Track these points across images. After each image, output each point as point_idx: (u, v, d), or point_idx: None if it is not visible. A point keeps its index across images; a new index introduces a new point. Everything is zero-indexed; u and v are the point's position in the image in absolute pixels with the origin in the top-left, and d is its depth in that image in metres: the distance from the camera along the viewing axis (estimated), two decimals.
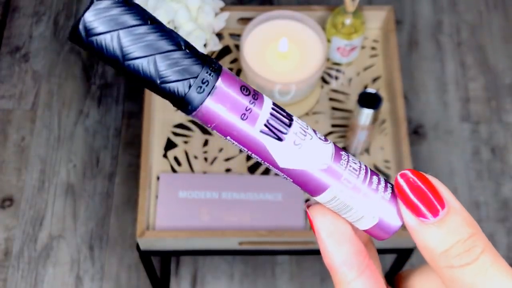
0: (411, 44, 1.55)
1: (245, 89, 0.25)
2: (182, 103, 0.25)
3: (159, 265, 1.27)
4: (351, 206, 0.27)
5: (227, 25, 1.09)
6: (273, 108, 0.26)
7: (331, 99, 1.08)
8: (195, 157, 1.02)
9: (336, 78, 1.10)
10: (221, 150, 1.03)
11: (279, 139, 0.25)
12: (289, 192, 1.00)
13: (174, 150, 1.03)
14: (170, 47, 0.24)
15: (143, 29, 0.24)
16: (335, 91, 1.09)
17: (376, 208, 0.27)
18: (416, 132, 1.44)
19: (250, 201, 0.99)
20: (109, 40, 0.23)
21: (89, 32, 0.23)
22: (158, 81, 0.24)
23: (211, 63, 0.25)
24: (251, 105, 0.25)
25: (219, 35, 1.11)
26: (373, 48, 1.12)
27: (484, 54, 1.54)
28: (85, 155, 1.40)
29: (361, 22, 1.05)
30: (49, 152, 1.40)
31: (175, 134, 1.04)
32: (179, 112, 1.06)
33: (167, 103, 1.07)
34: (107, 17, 0.23)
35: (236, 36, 1.12)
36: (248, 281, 1.29)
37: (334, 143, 0.27)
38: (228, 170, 1.02)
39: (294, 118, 0.26)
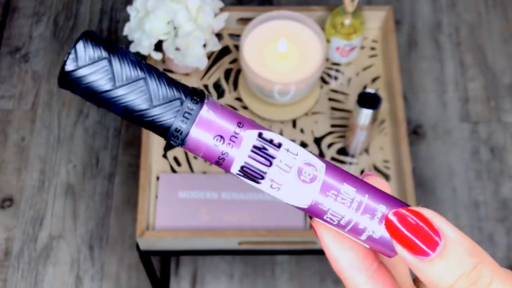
0: (410, 44, 1.55)
1: (220, 138, 0.25)
2: (169, 135, 0.25)
3: (159, 265, 1.27)
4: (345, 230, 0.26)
5: (227, 25, 1.09)
6: (253, 150, 0.25)
7: (330, 99, 1.08)
8: (195, 157, 1.03)
9: (336, 78, 1.10)
10: None
11: (256, 182, 0.25)
12: None
13: (173, 150, 1.03)
14: (157, 84, 0.25)
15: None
16: (334, 91, 1.09)
17: (372, 231, 0.26)
18: (415, 132, 1.44)
19: (249, 201, 0.99)
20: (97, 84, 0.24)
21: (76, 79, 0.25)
22: (139, 123, 0.25)
23: (193, 95, 0.25)
24: (226, 151, 0.25)
25: (219, 36, 1.11)
26: (372, 48, 1.13)
27: (483, 54, 1.54)
28: (85, 155, 1.40)
29: (360, 22, 1.05)
30: (49, 152, 1.40)
31: None
32: None
33: None
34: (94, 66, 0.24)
35: (236, 36, 1.13)
36: (248, 281, 1.29)
37: (333, 168, 0.26)
38: None
39: (277, 159, 0.25)
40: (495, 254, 1.33)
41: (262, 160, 0.25)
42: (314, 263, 1.30)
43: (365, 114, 0.94)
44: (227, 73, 1.11)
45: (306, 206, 0.26)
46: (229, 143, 0.25)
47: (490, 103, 1.48)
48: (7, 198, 1.35)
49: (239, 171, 0.25)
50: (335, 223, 0.26)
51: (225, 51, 1.12)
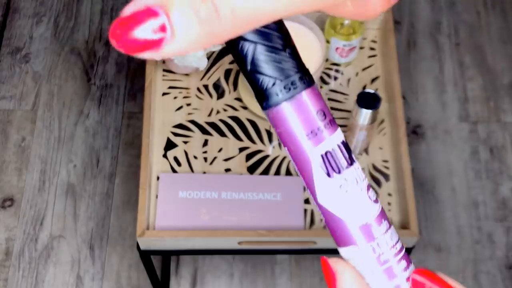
0: (409, 44, 1.56)
1: (323, 113, 0.25)
2: (261, 95, 0.25)
3: (159, 264, 1.27)
4: (366, 275, 0.26)
5: None
6: (339, 145, 0.25)
7: (330, 99, 1.09)
8: (195, 157, 1.03)
9: (335, 78, 1.10)
10: (220, 150, 1.04)
11: (329, 174, 0.25)
12: (288, 192, 1.00)
13: (174, 150, 1.03)
14: (276, 44, 0.24)
15: None
16: (334, 91, 1.09)
17: (400, 282, 0.26)
18: (414, 132, 1.45)
19: (249, 201, 1.00)
20: None
21: None
22: (249, 67, 0.24)
23: (304, 75, 0.25)
24: (322, 128, 0.24)
25: None
26: (371, 49, 1.13)
27: (482, 54, 1.55)
28: (85, 156, 1.40)
29: (359, 22, 1.06)
30: (49, 153, 1.40)
31: (175, 134, 1.04)
32: (179, 112, 1.07)
33: (167, 104, 1.07)
34: None
35: None
36: (248, 281, 1.29)
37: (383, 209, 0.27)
38: (227, 170, 1.02)
39: (355, 165, 0.25)
40: (495, 253, 1.33)
41: (346, 157, 0.25)
42: (314, 263, 1.30)
43: (365, 114, 0.95)
44: (227, 73, 1.11)
45: (360, 224, 0.25)
46: (327, 124, 0.25)
47: (489, 103, 1.49)
48: (7, 198, 1.36)
49: (324, 154, 0.25)
50: (376, 255, 0.25)
51: (225, 51, 1.12)
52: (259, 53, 0.24)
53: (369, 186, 0.26)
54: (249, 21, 0.21)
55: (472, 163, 1.42)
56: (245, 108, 1.08)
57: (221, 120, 1.06)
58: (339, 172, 0.25)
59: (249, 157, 1.03)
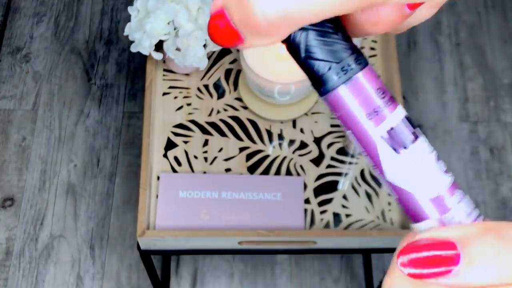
0: (410, 44, 1.56)
1: (382, 92, 0.25)
2: (318, 82, 0.25)
3: (159, 264, 1.27)
4: None
5: None
6: (403, 119, 0.25)
7: None
8: (195, 157, 1.03)
9: None
10: (221, 150, 1.04)
11: (396, 150, 0.24)
12: (288, 192, 1.00)
13: (174, 150, 1.03)
14: (326, 29, 0.24)
15: None
16: None
17: None
18: None
19: (249, 201, 1.00)
20: None
21: None
22: (303, 55, 0.24)
23: (358, 56, 0.25)
24: (382, 107, 0.24)
25: None
26: (372, 49, 1.13)
27: (482, 55, 1.55)
28: (85, 155, 1.40)
29: None
30: (49, 152, 1.40)
31: (175, 134, 1.05)
32: (179, 112, 1.07)
33: (167, 104, 1.07)
34: None
35: None
36: (248, 281, 1.29)
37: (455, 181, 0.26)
38: (228, 170, 1.02)
39: (422, 138, 0.25)
40: None
41: (410, 131, 0.25)
42: (314, 263, 1.30)
43: None
44: (227, 73, 1.11)
45: (432, 197, 0.25)
46: (388, 101, 0.25)
47: (489, 103, 1.49)
48: (8, 198, 1.36)
49: (388, 131, 0.24)
50: (467, 213, 0.26)
51: (225, 51, 1.12)
52: (311, 39, 0.24)
53: (438, 158, 0.25)
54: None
55: (472, 163, 1.42)
56: (245, 108, 1.08)
57: (221, 120, 1.06)
58: (406, 147, 0.24)
59: (249, 157, 1.03)
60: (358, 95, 0.24)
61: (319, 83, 0.25)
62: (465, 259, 0.21)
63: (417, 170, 0.25)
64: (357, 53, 0.25)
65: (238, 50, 1.11)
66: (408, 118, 0.25)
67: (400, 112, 0.25)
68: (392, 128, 0.24)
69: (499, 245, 0.21)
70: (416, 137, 0.25)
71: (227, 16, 0.22)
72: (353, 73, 0.24)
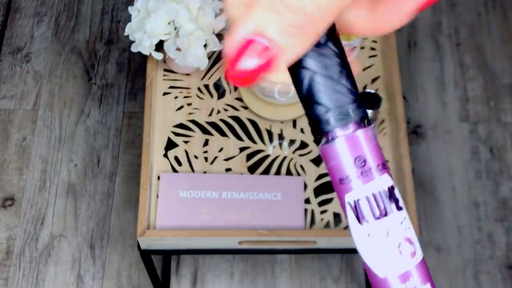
0: (410, 44, 1.56)
1: (362, 160, 0.24)
2: (315, 131, 0.25)
3: (159, 264, 1.28)
4: None
5: (227, 25, 1.10)
6: (380, 192, 0.24)
7: None
8: (196, 157, 1.03)
9: None
10: (221, 150, 1.04)
11: (359, 221, 0.25)
12: (288, 191, 1.00)
13: (174, 150, 1.04)
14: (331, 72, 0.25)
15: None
16: None
17: None
18: (415, 132, 1.45)
19: (250, 201, 1.00)
20: None
21: None
22: (305, 92, 0.25)
23: (360, 120, 0.25)
24: (352, 177, 0.24)
25: (220, 36, 1.11)
26: (372, 49, 1.13)
27: (482, 55, 1.55)
28: (86, 155, 1.41)
29: None
30: (50, 152, 1.41)
31: (176, 134, 1.05)
32: (180, 112, 1.07)
33: (167, 103, 1.07)
34: None
35: None
36: (248, 280, 1.29)
37: (424, 265, 0.26)
38: (228, 170, 1.02)
39: (393, 215, 0.25)
40: (495, 253, 1.33)
41: (381, 206, 0.25)
42: (314, 262, 1.31)
43: None
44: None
45: (382, 276, 0.25)
46: (364, 173, 0.25)
47: (489, 103, 1.49)
48: (8, 198, 1.36)
49: (354, 201, 0.24)
50: None
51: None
52: (315, 80, 0.25)
53: (408, 240, 0.25)
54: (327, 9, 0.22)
55: (473, 163, 1.42)
56: (245, 108, 1.08)
57: (221, 120, 1.06)
58: (368, 221, 0.24)
59: (249, 156, 1.03)
60: (333, 160, 0.25)
61: (316, 132, 0.25)
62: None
63: (374, 246, 0.25)
64: (344, 116, 0.25)
65: None
66: (390, 190, 0.25)
67: (377, 184, 0.24)
68: (358, 200, 0.24)
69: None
70: (385, 214, 0.24)
71: (259, 37, 0.22)
72: (334, 139, 0.25)
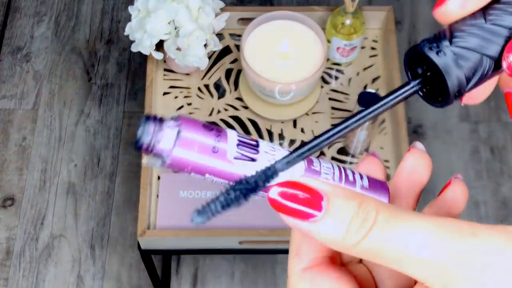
0: (410, 44, 1.56)
1: (208, 127, 0.27)
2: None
3: (160, 264, 1.27)
4: None
5: (228, 25, 1.09)
6: (238, 137, 0.28)
7: (330, 99, 1.09)
8: None
9: (336, 78, 1.10)
10: None
11: (253, 160, 0.27)
12: None
13: None
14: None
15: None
16: (335, 91, 1.09)
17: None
18: (415, 132, 1.45)
19: (250, 200, 0.99)
20: None
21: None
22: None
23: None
24: (217, 139, 0.27)
25: (220, 35, 1.11)
26: (372, 48, 1.13)
27: None
28: (86, 155, 1.40)
29: (360, 22, 1.06)
30: (50, 152, 1.40)
31: None
32: (180, 112, 1.07)
33: (167, 103, 1.07)
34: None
35: (237, 36, 1.13)
36: (249, 280, 1.29)
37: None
38: None
39: (260, 140, 0.28)
40: None
41: (249, 139, 0.28)
42: None
43: None
44: (228, 73, 1.11)
45: (303, 171, 0.28)
46: (217, 134, 0.28)
47: (490, 103, 1.49)
48: (8, 198, 1.36)
49: (236, 151, 0.27)
50: (332, 171, 0.29)
51: (225, 51, 1.12)
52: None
53: (281, 146, 0.29)
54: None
55: (473, 163, 1.42)
56: (246, 107, 1.08)
57: (222, 120, 1.06)
58: (257, 152, 0.28)
59: None
60: (193, 146, 0.27)
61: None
62: (326, 210, 0.24)
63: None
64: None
65: (238, 50, 1.11)
66: (239, 135, 0.28)
67: (232, 134, 0.28)
68: (237, 147, 0.28)
69: (357, 211, 0.24)
70: (257, 142, 0.28)
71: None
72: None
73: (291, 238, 0.29)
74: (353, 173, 0.30)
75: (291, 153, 0.26)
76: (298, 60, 1.02)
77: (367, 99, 0.94)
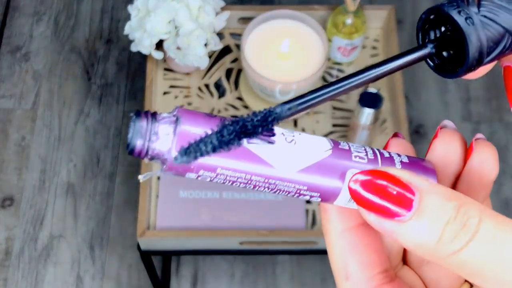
0: (412, 43, 1.55)
1: (210, 115, 0.24)
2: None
3: (159, 264, 1.27)
4: None
5: (228, 24, 1.09)
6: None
7: (331, 98, 1.08)
8: None
9: (337, 77, 1.10)
10: None
11: (270, 142, 0.24)
12: None
13: None
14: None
15: None
16: None
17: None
18: (417, 132, 1.44)
19: (250, 201, 0.99)
20: None
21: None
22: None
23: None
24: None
25: (220, 35, 1.11)
26: (374, 48, 1.12)
27: None
28: (85, 155, 1.40)
29: (362, 21, 1.05)
30: (49, 152, 1.40)
31: None
32: None
33: (167, 103, 1.07)
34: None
35: (237, 35, 1.12)
36: (249, 281, 1.29)
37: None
38: None
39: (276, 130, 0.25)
40: None
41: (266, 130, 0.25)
42: (315, 263, 1.30)
43: (367, 114, 0.94)
44: (228, 72, 1.10)
45: (330, 150, 0.24)
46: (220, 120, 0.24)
47: (491, 103, 1.48)
48: (7, 198, 1.35)
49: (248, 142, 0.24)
50: (364, 150, 0.25)
51: (226, 50, 1.12)
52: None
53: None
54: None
55: None
56: (246, 107, 1.07)
57: None
58: (274, 134, 0.25)
59: None
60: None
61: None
62: (417, 209, 0.20)
63: (298, 145, 0.24)
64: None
65: (238, 49, 1.10)
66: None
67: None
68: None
69: (455, 215, 0.20)
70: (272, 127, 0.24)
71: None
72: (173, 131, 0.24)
73: (330, 256, 0.25)
74: (388, 154, 0.25)
75: (294, 99, 0.23)
76: (298, 60, 1.01)
77: (368, 99, 0.94)
